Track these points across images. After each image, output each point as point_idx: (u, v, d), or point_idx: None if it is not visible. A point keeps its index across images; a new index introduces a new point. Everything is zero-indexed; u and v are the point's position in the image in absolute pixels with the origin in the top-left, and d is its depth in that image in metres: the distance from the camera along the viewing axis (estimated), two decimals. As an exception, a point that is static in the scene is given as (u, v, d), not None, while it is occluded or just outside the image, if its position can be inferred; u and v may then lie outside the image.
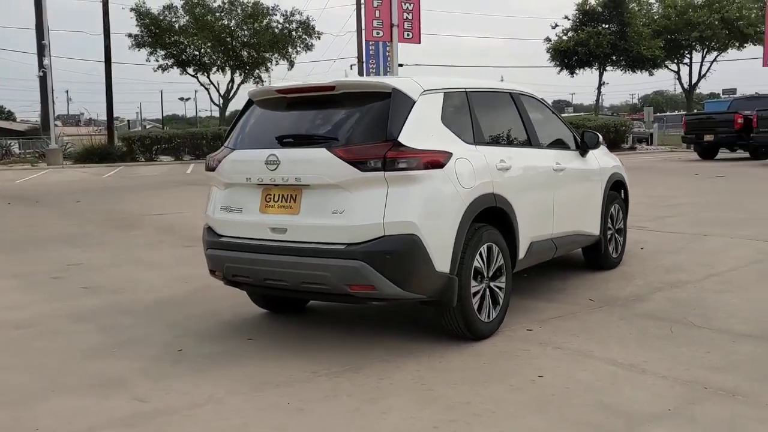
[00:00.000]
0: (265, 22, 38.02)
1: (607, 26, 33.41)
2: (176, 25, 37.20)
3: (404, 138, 4.14)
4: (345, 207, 4.10)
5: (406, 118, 4.22)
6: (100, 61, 34.44)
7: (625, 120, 30.71)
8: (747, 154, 22.21)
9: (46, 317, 5.48)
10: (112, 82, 34.58)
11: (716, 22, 34.17)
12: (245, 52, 38.49)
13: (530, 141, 5.41)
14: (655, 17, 35.40)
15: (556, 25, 34.63)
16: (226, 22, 37.97)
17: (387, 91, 4.30)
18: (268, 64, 39.76)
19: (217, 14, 37.70)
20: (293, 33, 38.94)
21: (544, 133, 5.68)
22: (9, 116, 74.14)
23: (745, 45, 35.70)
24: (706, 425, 3.24)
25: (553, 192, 5.47)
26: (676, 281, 6.11)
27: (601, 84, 36.29)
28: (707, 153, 22.92)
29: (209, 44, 37.05)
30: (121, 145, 33.30)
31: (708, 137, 22.00)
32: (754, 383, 3.72)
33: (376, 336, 4.72)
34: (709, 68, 37.15)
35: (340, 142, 4.20)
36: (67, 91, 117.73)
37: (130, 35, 36.90)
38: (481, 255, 4.48)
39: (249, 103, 4.88)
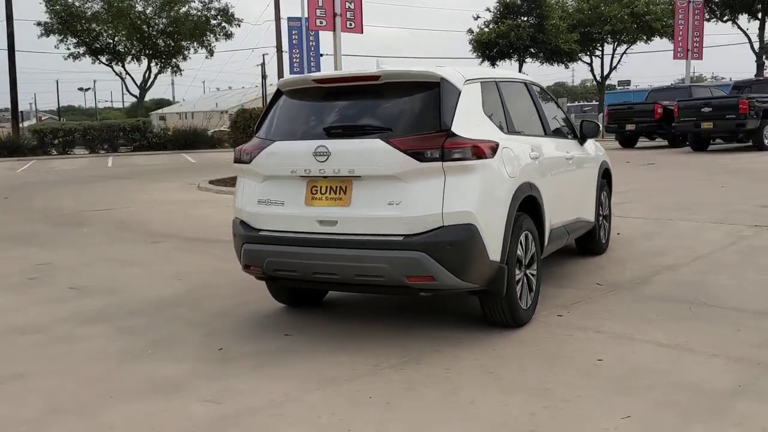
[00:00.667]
0: (183, 9, 36.83)
1: (526, 19, 34.35)
2: (89, 12, 35.48)
3: (456, 128, 4.14)
4: (402, 198, 4.06)
5: (456, 108, 4.22)
6: (2, 49, 32.51)
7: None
8: (665, 143, 23.35)
9: (49, 321, 5.17)
10: (16, 71, 32.71)
11: (626, 17, 35.64)
12: (162, 41, 37.17)
13: (545, 130, 5.52)
14: (570, 11, 36.63)
15: (478, 17, 35.40)
16: (141, 9, 36.52)
17: (435, 80, 4.28)
18: (186, 52, 38.57)
19: (133, 1, 36.22)
20: (212, 21, 37.90)
21: (552, 122, 5.81)
22: None
23: (653, 38, 37.47)
24: (780, 398, 3.42)
25: (566, 180, 5.61)
26: (668, 264, 6.37)
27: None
28: (628, 141, 23.93)
29: (124, 32, 35.55)
30: (30, 137, 31.58)
31: (630, 126, 22.96)
32: (798, 357, 3.95)
33: (410, 327, 4.70)
34: (619, 60, 38.83)
35: (395, 132, 4.15)
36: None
37: (39, 23, 34.92)
38: (520, 243, 4.54)
39: (278, 94, 4.75)
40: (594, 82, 42.14)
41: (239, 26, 38.57)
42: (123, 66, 37.65)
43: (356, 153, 4.16)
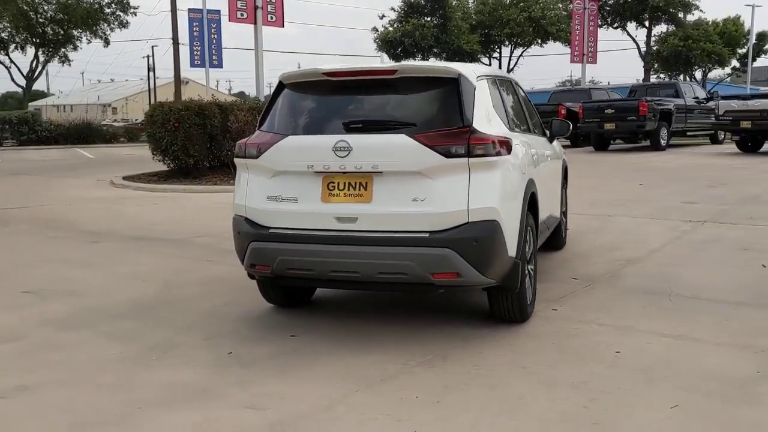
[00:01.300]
0: (74, -5, 34.87)
1: (429, 19, 34.91)
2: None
3: (477, 124, 4.15)
4: (426, 194, 4.02)
5: (474, 104, 4.23)
6: None
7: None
8: (567, 142, 24.40)
9: (21, 328, 4.77)
10: None
11: (523, 20, 36.94)
12: (50, 29, 35.01)
13: (529, 128, 5.63)
14: (471, 13, 37.54)
15: (383, 16, 35.64)
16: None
17: (453, 76, 4.26)
18: (77, 42, 36.53)
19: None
20: (105, 9, 36.08)
21: (533, 120, 5.94)
22: None
23: (547, 42, 39.04)
24: (800, 381, 3.65)
25: (547, 177, 5.75)
26: (629, 258, 6.66)
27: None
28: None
29: (8, 18, 33.19)
30: None
31: (535, 126, 23.84)
32: (794, 343, 4.23)
33: (415, 324, 4.67)
34: (516, 62, 40.19)
35: (419, 128, 4.10)
36: None
37: None
38: (527, 239, 4.61)
39: (281, 86, 4.58)
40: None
41: (135, 15, 36.97)
42: (8, 55, 35.18)
43: (380, 148, 4.08)
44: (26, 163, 22.41)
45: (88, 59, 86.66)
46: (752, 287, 5.53)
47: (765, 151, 19.02)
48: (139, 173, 15.90)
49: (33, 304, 5.37)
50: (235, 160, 4.55)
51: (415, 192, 4.03)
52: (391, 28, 35.05)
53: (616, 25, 36.33)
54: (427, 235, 4.00)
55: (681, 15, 35.50)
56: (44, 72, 36.42)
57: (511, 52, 39.39)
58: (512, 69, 40.07)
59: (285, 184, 4.28)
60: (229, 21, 15.11)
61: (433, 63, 4.41)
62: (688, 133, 22.57)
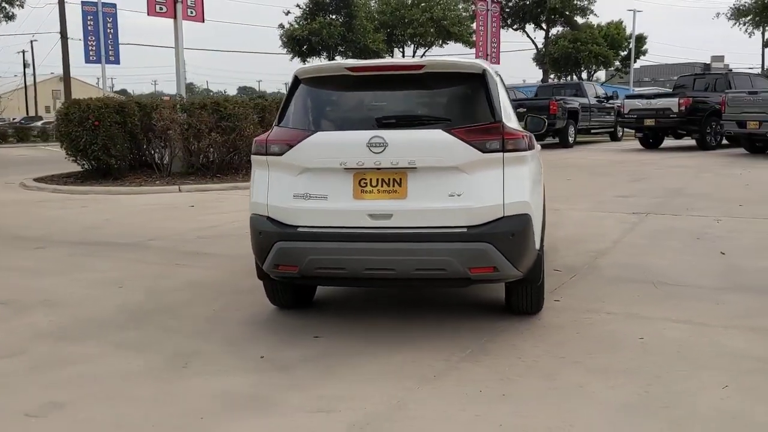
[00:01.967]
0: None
1: (335, 17, 34.85)
2: None
3: (504, 119, 4.20)
4: (463, 189, 4.02)
5: (499, 99, 4.27)
6: None
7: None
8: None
9: (14, 342, 4.42)
10: None
11: (426, 20, 37.59)
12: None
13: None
14: (374, 12, 37.82)
15: (289, 12, 35.21)
16: None
17: (479, 72, 4.29)
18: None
19: None
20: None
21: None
22: None
23: (448, 42, 39.92)
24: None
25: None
26: (597, 250, 6.93)
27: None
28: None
29: None
30: None
31: (448, 125, 24.32)
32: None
33: (432, 320, 4.68)
34: (419, 62, 40.83)
35: (453, 123, 4.09)
36: None
37: None
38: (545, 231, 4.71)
39: (296, 82, 4.45)
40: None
41: (22, 7, 34.75)
42: None
43: (416, 144, 4.04)
44: None
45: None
46: (722, 273, 5.88)
47: (664, 147, 20.29)
48: (50, 174, 14.99)
49: (11, 317, 4.97)
50: (254, 157, 4.38)
51: (452, 187, 4.03)
52: (297, 26, 34.71)
53: (516, 26, 37.65)
54: (465, 230, 4.01)
55: (577, 18, 37.21)
56: None
57: (414, 52, 39.94)
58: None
59: (313, 182, 4.16)
60: (148, 15, 14.45)
61: (459, 59, 4.38)
62: (592, 131, 23.71)
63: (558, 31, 39.14)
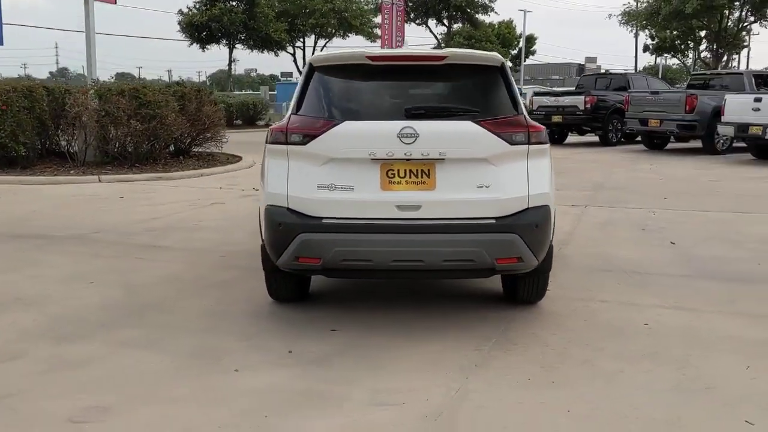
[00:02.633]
0: None
1: (236, 4, 33.97)
2: None
3: (524, 112, 4.28)
4: (491, 181, 4.07)
5: (516, 92, 4.35)
6: None
7: (262, 98, 31.81)
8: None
9: (7, 344, 4.05)
10: None
11: (328, 11, 37.37)
12: None
13: None
14: (276, 2, 37.14)
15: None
16: None
17: (497, 65, 4.34)
18: None
19: None
20: None
21: None
22: None
23: (350, 34, 39.85)
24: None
25: None
26: (556, 241, 7.12)
27: (231, 61, 36.95)
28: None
29: None
30: None
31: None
32: (769, 307, 4.90)
33: (436, 310, 4.71)
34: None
35: (481, 115, 4.12)
36: None
37: None
38: None
39: (312, 70, 4.33)
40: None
41: None
42: None
43: (447, 135, 4.04)
44: None
45: None
46: (682, 262, 6.24)
47: (569, 143, 21.22)
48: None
49: (-13, 316, 4.56)
50: (270, 146, 4.23)
51: (480, 178, 4.06)
52: (196, 11, 33.57)
53: (418, 21, 38.16)
54: (493, 221, 4.06)
55: (479, 16, 38.18)
56: None
57: (315, 43, 39.64)
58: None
59: (338, 172, 4.07)
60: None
61: (478, 51, 4.41)
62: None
63: (459, 27, 40.03)
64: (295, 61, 39.93)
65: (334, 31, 39.07)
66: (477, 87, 4.35)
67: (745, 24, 31.41)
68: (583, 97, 19.25)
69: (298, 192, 4.10)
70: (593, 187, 11.22)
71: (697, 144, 17.91)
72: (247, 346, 4.03)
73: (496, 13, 39.17)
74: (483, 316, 4.58)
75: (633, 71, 45.25)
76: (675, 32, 32.98)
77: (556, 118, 19.69)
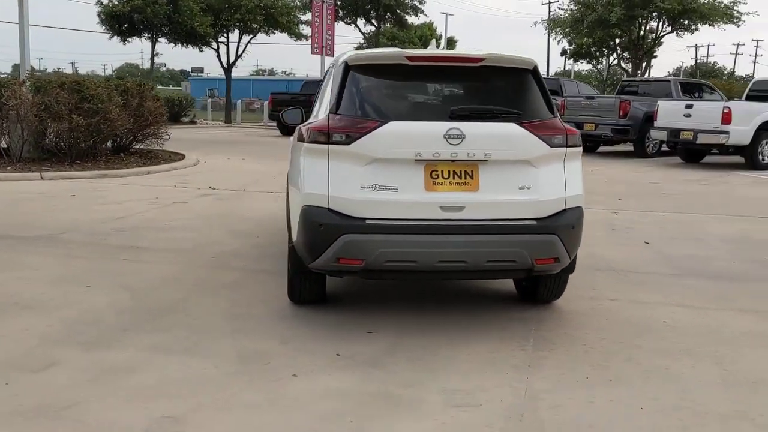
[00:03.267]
0: None
1: (159, -4, 32.82)
2: None
3: (557, 115, 4.36)
4: (532, 182, 4.12)
5: (549, 94, 4.42)
6: None
7: (187, 94, 30.94)
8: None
9: (27, 350, 3.81)
10: None
11: (254, 7, 36.69)
12: None
13: None
14: (200, -5, 36.15)
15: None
16: None
17: (530, 67, 4.39)
18: None
19: None
20: None
21: None
22: None
23: (276, 31, 39.26)
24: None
25: None
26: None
27: (154, 54, 35.65)
28: (287, 130, 25.08)
29: None
30: None
31: (292, 115, 24.15)
32: None
33: (456, 310, 4.74)
34: (244, 49, 39.73)
35: (523, 117, 4.16)
36: None
37: None
38: None
39: (347, 69, 4.26)
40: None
41: None
42: None
43: (492, 137, 4.06)
44: None
45: None
46: (663, 262, 6.51)
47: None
48: None
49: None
50: (308, 146, 4.12)
51: (522, 180, 4.11)
52: (116, 2, 32.24)
53: (348, 20, 38.00)
54: (534, 222, 4.11)
55: (408, 17, 38.38)
56: None
57: (240, 38, 38.86)
58: (240, 55, 39.67)
59: (382, 173, 4.02)
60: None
61: (513, 54, 4.46)
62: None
63: (386, 27, 40.14)
64: (218, 56, 39.00)
65: (259, 27, 38.38)
66: (513, 89, 4.40)
67: (662, 34, 32.96)
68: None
69: (340, 192, 4.03)
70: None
71: (627, 147, 18.72)
72: (292, 349, 3.93)
73: (425, 15, 39.44)
74: (509, 317, 4.63)
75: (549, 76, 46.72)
76: (593, 39, 34.25)
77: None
